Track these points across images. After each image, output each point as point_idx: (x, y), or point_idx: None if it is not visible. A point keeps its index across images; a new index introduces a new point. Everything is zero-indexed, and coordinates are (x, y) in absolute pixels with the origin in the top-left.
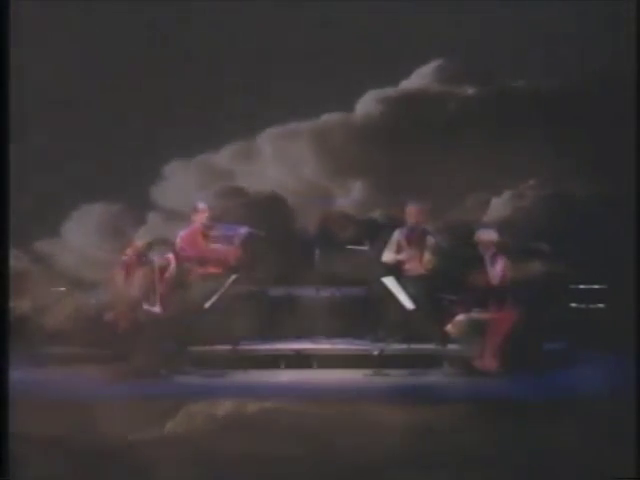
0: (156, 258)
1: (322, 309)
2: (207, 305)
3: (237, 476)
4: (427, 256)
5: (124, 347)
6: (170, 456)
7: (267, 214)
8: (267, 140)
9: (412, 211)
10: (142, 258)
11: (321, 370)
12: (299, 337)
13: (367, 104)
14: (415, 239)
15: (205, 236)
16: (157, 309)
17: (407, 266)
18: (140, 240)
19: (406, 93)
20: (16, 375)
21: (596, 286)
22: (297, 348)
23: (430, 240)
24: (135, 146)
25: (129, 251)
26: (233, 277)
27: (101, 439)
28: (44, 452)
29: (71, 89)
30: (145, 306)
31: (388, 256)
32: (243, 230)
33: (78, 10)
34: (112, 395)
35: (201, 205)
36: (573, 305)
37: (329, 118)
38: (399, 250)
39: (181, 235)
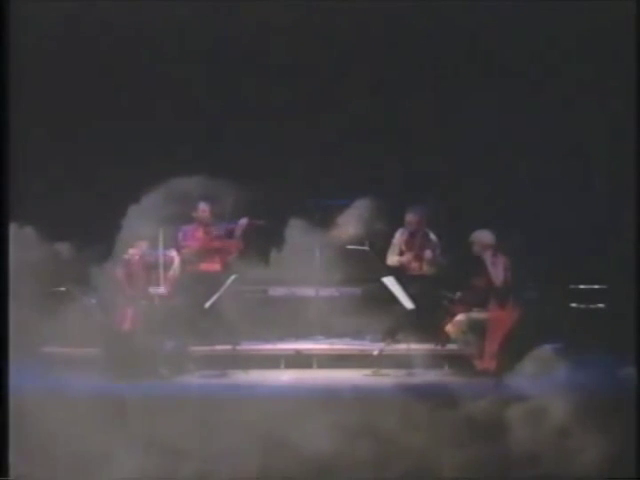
0: (160, 256)
1: (322, 309)
2: (207, 305)
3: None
4: (425, 267)
5: (124, 347)
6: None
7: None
8: None
9: (410, 219)
10: (144, 257)
11: (321, 370)
12: (299, 337)
13: None
14: (416, 245)
15: (206, 232)
16: (162, 289)
17: (410, 266)
18: (143, 239)
19: None
20: (16, 375)
21: (596, 286)
22: (297, 348)
23: (428, 254)
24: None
25: (131, 250)
26: (233, 277)
27: (101, 438)
28: (44, 452)
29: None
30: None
31: (392, 259)
32: (243, 221)
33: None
34: (112, 395)
35: (202, 204)
36: (573, 305)
37: None
38: (401, 254)
39: (183, 229)
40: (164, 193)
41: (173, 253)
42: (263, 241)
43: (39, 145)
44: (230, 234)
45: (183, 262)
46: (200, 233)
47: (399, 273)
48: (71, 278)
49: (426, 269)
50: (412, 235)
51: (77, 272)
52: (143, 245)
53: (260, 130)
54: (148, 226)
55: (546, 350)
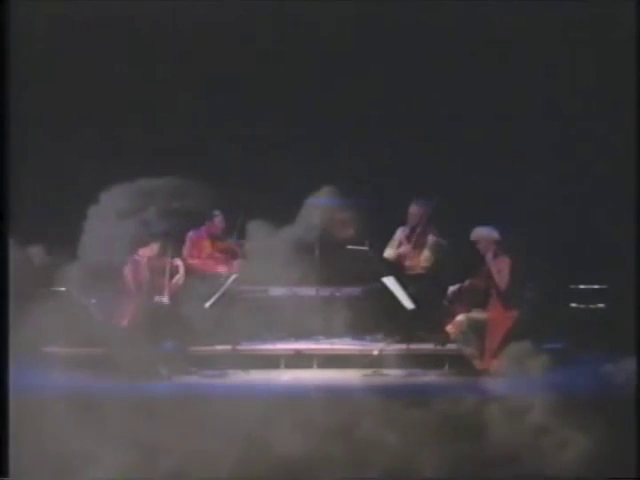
0: (168, 263)
1: (322, 309)
2: (207, 305)
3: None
4: (426, 253)
5: (124, 347)
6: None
7: None
8: None
9: (414, 211)
10: (153, 260)
11: (321, 370)
12: (299, 337)
13: None
14: (416, 237)
15: (213, 244)
16: (166, 299)
17: (407, 263)
18: (155, 243)
19: None
20: (16, 375)
21: (596, 286)
22: (297, 348)
23: (431, 238)
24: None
25: (142, 252)
26: (233, 277)
27: (101, 438)
28: (44, 452)
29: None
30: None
31: (389, 252)
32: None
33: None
34: (112, 395)
35: (217, 213)
36: (573, 305)
37: None
38: (400, 247)
39: (190, 236)
40: (168, 196)
41: (179, 262)
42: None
43: (38, 147)
44: (234, 253)
45: (186, 270)
46: (207, 242)
47: (399, 273)
48: (71, 278)
49: (427, 256)
50: (413, 230)
51: (77, 272)
52: (154, 247)
53: (260, 130)
54: (157, 229)
55: (546, 350)
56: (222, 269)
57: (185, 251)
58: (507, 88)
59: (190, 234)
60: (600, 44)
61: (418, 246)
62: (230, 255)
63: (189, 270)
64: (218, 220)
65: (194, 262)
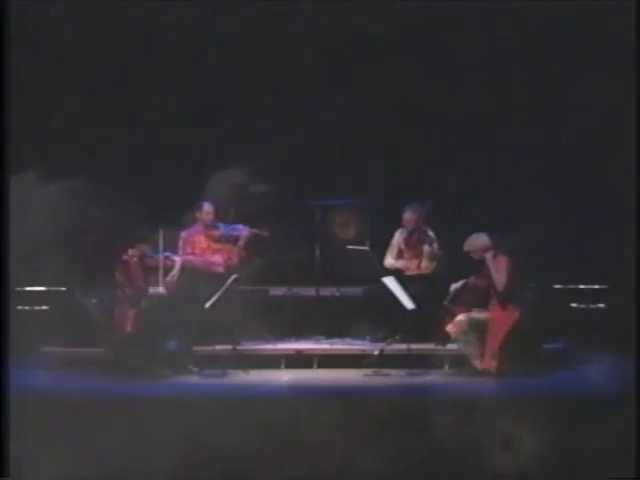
0: (161, 259)
1: (322, 309)
2: (207, 305)
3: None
4: (425, 263)
5: (124, 347)
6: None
7: None
8: None
9: (408, 217)
10: (144, 259)
11: (321, 370)
12: (299, 337)
13: None
14: (413, 243)
15: (208, 236)
16: (161, 289)
17: (407, 272)
18: (144, 241)
19: None
20: (16, 375)
21: (596, 286)
22: (297, 348)
23: (426, 248)
24: None
25: (131, 251)
26: (233, 277)
27: (101, 438)
28: (44, 452)
29: None
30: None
31: (389, 261)
32: (246, 231)
33: None
34: (112, 395)
35: (207, 205)
36: (573, 305)
37: None
38: (400, 254)
39: (183, 236)
40: (164, 194)
41: (175, 257)
42: (265, 245)
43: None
44: (233, 241)
45: (183, 268)
46: (201, 237)
47: (399, 273)
48: (72, 277)
49: (425, 265)
50: (410, 234)
51: (78, 272)
52: (144, 247)
53: (260, 129)
54: (148, 228)
55: (546, 350)
56: (219, 259)
57: (179, 251)
58: (506, 89)
59: (183, 233)
60: (600, 43)
61: (416, 256)
62: (228, 243)
63: (186, 268)
64: (207, 208)
65: (188, 259)
